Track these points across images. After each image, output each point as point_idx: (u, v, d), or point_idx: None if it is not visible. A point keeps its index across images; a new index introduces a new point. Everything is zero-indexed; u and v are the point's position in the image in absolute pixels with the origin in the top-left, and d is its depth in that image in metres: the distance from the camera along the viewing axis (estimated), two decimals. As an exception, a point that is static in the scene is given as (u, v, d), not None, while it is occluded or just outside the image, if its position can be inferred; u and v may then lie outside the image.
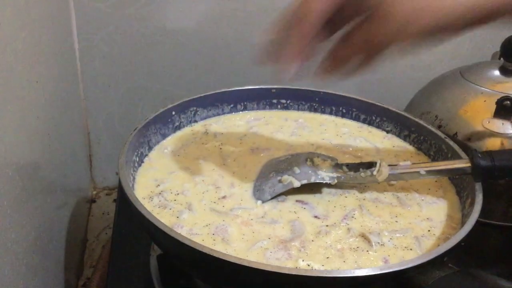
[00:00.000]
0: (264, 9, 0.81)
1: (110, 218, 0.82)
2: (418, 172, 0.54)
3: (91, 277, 0.72)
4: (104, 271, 0.69)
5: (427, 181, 0.58)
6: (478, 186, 0.51)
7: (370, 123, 0.70)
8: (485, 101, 0.67)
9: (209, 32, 0.82)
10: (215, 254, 0.41)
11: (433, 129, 0.63)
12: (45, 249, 0.59)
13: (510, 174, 0.53)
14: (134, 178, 0.56)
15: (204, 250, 0.42)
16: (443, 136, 0.61)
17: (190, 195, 0.55)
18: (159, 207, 0.53)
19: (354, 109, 0.71)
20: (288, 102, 0.73)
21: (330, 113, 0.73)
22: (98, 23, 0.79)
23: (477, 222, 0.65)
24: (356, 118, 0.71)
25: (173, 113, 0.66)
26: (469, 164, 0.52)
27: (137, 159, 0.58)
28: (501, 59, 0.72)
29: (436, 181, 0.58)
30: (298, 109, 0.73)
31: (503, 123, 0.65)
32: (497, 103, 0.65)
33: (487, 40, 0.86)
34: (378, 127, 0.69)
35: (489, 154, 0.52)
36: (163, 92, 0.85)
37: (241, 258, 0.41)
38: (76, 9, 0.77)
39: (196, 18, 0.80)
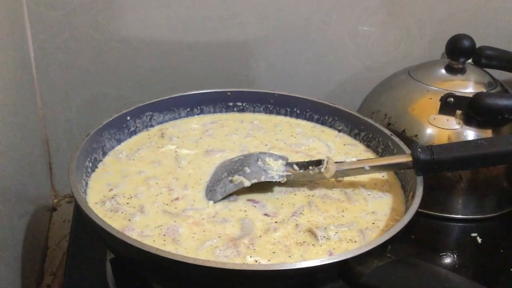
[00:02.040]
0: (219, 14, 0.82)
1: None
2: (363, 168, 0.56)
3: (51, 284, 0.72)
4: (63, 278, 0.69)
5: (374, 177, 0.60)
6: (419, 180, 0.54)
7: (323, 123, 0.72)
8: (431, 98, 0.70)
9: (165, 37, 0.82)
10: (161, 254, 0.42)
11: (380, 127, 0.65)
12: (2, 257, 0.58)
13: (449, 167, 0.55)
14: (87, 184, 0.57)
15: (151, 250, 0.42)
16: (389, 133, 0.63)
17: (143, 198, 0.56)
18: (111, 211, 0.53)
19: (308, 110, 0.73)
20: (244, 104, 0.75)
21: (285, 114, 0.74)
22: (53, 31, 0.79)
23: (426, 214, 0.69)
24: (310, 119, 0.73)
25: (128, 118, 0.67)
26: (410, 159, 0.54)
27: (91, 165, 0.59)
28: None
29: (383, 176, 0.60)
30: (253, 111, 0.75)
31: (448, 119, 0.68)
32: (441, 100, 0.68)
33: (438, 40, 0.89)
34: (330, 126, 0.71)
35: (429, 148, 0.54)
36: (122, 98, 0.85)
37: (186, 256, 0.42)
38: (30, 18, 0.77)
39: (152, 24, 0.81)
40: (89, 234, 0.64)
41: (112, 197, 0.55)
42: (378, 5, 0.86)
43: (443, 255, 0.65)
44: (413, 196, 0.52)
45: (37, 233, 0.78)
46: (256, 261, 0.47)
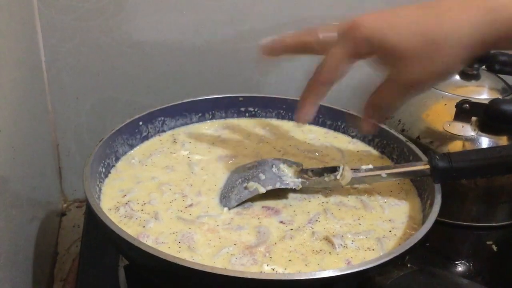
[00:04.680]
0: (230, 19, 0.82)
1: (80, 231, 0.81)
2: (379, 175, 0.55)
3: (61, 290, 0.71)
4: (74, 284, 0.69)
5: (390, 184, 0.59)
6: (437, 187, 0.53)
7: (336, 129, 0.71)
8: (445, 104, 0.70)
9: (176, 42, 0.82)
10: (178, 262, 0.42)
11: (395, 133, 0.64)
12: (12, 263, 0.58)
13: (468, 174, 0.55)
14: (100, 189, 0.56)
15: (167, 258, 0.42)
16: (404, 139, 0.63)
17: (157, 204, 0.55)
18: (125, 217, 0.53)
19: (321, 116, 0.72)
20: (255, 110, 0.74)
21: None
22: (64, 35, 0.78)
23: (441, 222, 0.68)
24: (323, 124, 0.72)
25: (140, 123, 0.66)
26: (427, 166, 0.54)
27: (104, 170, 0.59)
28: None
29: (398, 183, 0.60)
30: (265, 117, 0.74)
31: (463, 126, 0.68)
32: (456, 106, 0.67)
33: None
34: (343, 132, 0.71)
35: (447, 155, 0.54)
36: (132, 103, 0.85)
37: (203, 265, 0.42)
38: (41, 22, 0.77)
39: (163, 28, 0.81)
40: (101, 240, 0.63)
41: (126, 203, 0.55)
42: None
43: (459, 263, 0.64)
44: (431, 204, 0.51)
45: (47, 238, 0.77)
46: (273, 270, 0.46)
